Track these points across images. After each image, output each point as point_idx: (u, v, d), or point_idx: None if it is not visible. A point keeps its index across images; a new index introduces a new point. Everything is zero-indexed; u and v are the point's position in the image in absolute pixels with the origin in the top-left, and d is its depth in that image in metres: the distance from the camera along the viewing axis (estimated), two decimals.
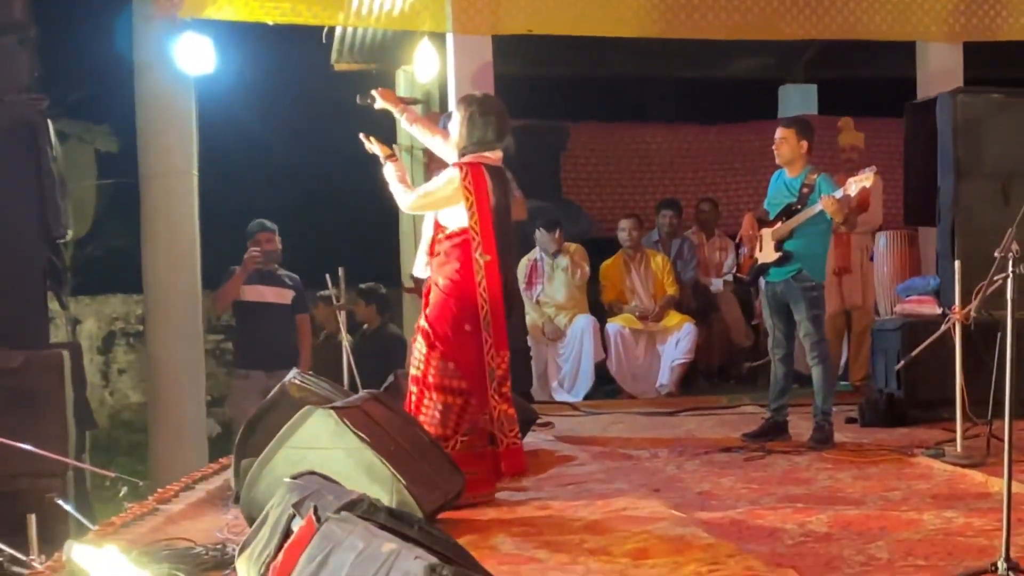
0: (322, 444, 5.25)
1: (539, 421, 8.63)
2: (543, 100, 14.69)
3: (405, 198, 6.55)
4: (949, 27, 11.55)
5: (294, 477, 4.24)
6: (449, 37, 11.08)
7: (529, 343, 10.69)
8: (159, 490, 6.66)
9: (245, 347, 10.49)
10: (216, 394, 13.13)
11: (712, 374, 12.11)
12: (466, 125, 6.41)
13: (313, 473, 4.31)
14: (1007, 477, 4.42)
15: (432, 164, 9.62)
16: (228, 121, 13.17)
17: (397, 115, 6.99)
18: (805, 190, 7.88)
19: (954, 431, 7.22)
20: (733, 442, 8.05)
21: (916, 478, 6.67)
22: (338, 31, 12.61)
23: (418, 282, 8.07)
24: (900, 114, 10.24)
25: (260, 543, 4.01)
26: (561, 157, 13.77)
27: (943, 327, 7.39)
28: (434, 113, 11.73)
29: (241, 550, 4.13)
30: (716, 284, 12.14)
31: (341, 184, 14.95)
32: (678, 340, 11.08)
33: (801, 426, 8.15)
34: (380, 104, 6.94)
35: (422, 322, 6.39)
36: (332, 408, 5.43)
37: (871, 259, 10.65)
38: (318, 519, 3.73)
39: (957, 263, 7.41)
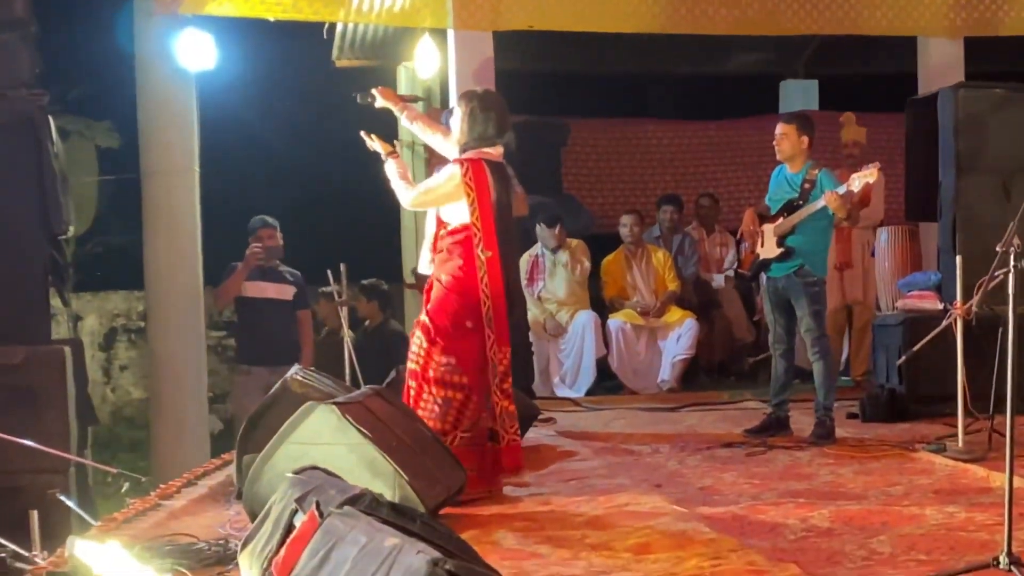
0: (324, 440, 5.26)
1: (541, 417, 8.63)
2: (544, 96, 14.69)
3: (406, 194, 6.56)
4: (950, 22, 11.53)
5: (296, 472, 4.24)
6: (450, 33, 11.07)
7: (531, 339, 10.69)
8: (161, 486, 6.67)
9: (247, 343, 10.50)
10: (218, 390, 13.13)
11: (713, 370, 12.11)
12: (467, 121, 6.42)
13: (315, 468, 4.31)
14: (1009, 472, 4.42)
15: (433, 160, 9.61)
16: (229, 117, 13.16)
17: (397, 113, 6.99)
18: (807, 185, 7.88)
19: (955, 426, 7.23)
20: (735, 437, 8.06)
21: (918, 473, 6.67)
22: (339, 27, 12.59)
23: (420, 278, 8.08)
24: (901, 109, 10.24)
25: (262, 538, 4.01)
26: (562, 153, 13.78)
27: (944, 322, 7.39)
28: (435, 109, 11.72)
29: (243, 545, 4.13)
30: (717, 280, 12.15)
31: (342, 180, 14.95)
32: (679, 336, 11.09)
33: (802, 421, 8.15)
34: (380, 103, 6.95)
35: (423, 317, 6.40)
36: (334, 404, 5.43)
37: (872, 254, 10.65)
38: (321, 514, 3.73)
39: (958, 258, 7.41)
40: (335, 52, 13.45)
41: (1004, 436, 4.57)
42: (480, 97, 6.53)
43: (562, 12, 11.12)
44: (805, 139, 7.96)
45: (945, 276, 8.96)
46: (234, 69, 11.58)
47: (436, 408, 6.28)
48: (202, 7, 10.18)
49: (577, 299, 11.21)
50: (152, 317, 10.70)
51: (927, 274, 9.60)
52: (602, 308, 11.39)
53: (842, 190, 7.66)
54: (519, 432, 6.42)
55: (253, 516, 4.80)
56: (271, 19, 10.46)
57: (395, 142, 6.98)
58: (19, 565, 5.13)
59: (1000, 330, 5.75)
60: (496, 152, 6.42)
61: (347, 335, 9.02)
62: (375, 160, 6.84)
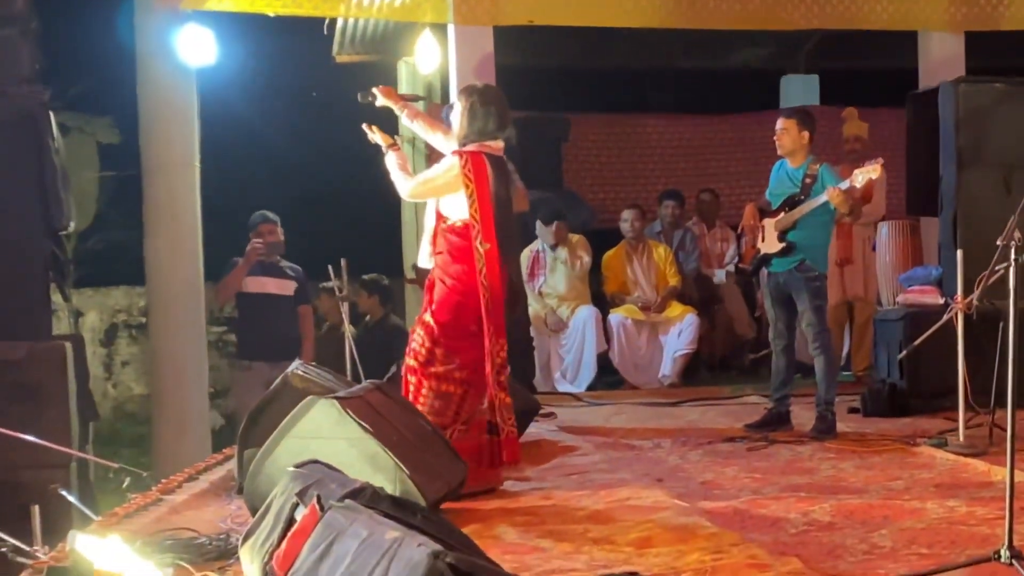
0: (325, 434, 5.26)
1: (542, 412, 8.63)
2: (545, 91, 14.68)
3: (405, 185, 6.57)
4: (951, 16, 11.52)
5: (297, 466, 4.25)
6: (450, 28, 11.07)
7: (532, 334, 10.70)
8: (162, 481, 6.68)
9: (248, 338, 10.50)
10: (219, 386, 13.11)
11: (714, 365, 12.13)
12: (467, 116, 6.42)
13: (316, 462, 4.31)
14: (1009, 466, 4.43)
15: (434, 155, 9.60)
16: (230, 113, 13.15)
17: (398, 112, 7.00)
18: (808, 180, 7.88)
19: (956, 420, 7.24)
20: (736, 432, 8.06)
21: (919, 467, 6.68)
22: (339, 23, 12.59)
23: (420, 273, 8.08)
24: (902, 104, 10.24)
25: (263, 532, 4.02)
26: (563, 148, 13.76)
27: (945, 317, 7.38)
28: (436, 105, 11.72)
29: (244, 540, 4.14)
30: (719, 275, 12.15)
31: (343, 176, 14.94)
32: (680, 331, 11.09)
33: (804, 416, 8.16)
34: (381, 102, 6.96)
35: (427, 317, 6.38)
36: (335, 398, 5.44)
37: (873, 249, 10.64)
38: (321, 508, 3.74)
39: (959, 252, 7.41)
40: (336, 47, 13.45)
41: (1005, 430, 4.57)
42: (480, 92, 6.53)
43: (563, 7, 11.11)
44: (806, 134, 7.96)
45: (946, 270, 8.95)
46: (235, 65, 11.57)
47: (437, 403, 6.29)
48: (203, 2, 10.18)
49: (578, 294, 11.21)
50: (153, 313, 10.69)
51: (928, 268, 9.59)
52: (603, 303, 11.40)
53: (844, 186, 7.66)
54: (515, 424, 6.41)
55: (254, 510, 4.80)
56: (271, 14, 10.46)
57: (396, 136, 6.96)
58: (20, 560, 5.14)
59: (1001, 324, 5.74)
60: (497, 146, 6.42)
61: (348, 330, 9.02)
62: (376, 155, 6.84)
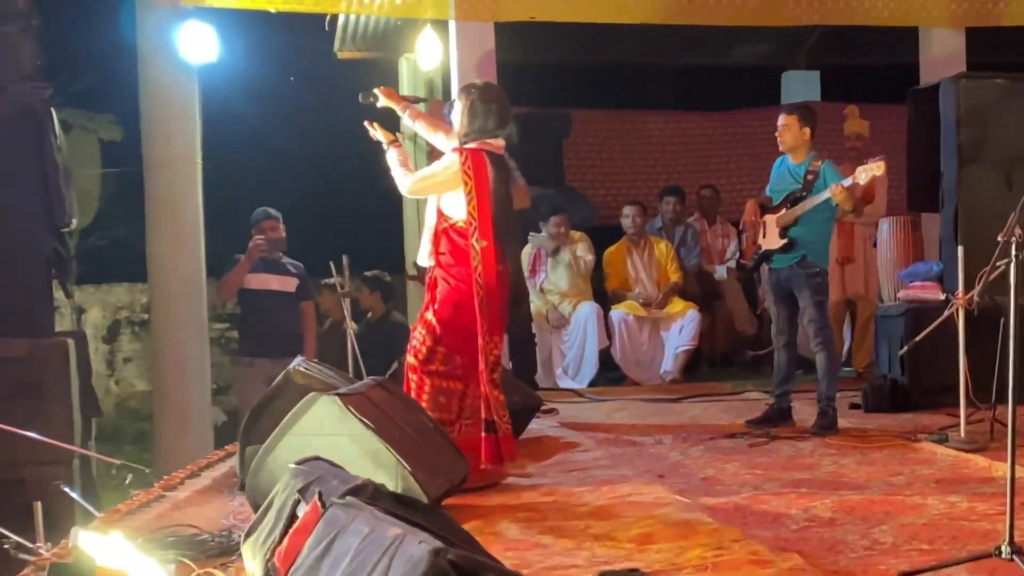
0: (327, 430, 5.27)
1: (543, 408, 8.64)
2: (546, 88, 14.67)
3: (405, 181, 6.58)
4: (952, 12, 11.53)
5: (299, 463, 4.25)
6: (452, 25, 11.08)
7: (533, 330, 10.71)
8: (165, 477, 6.68)
9: (250, 335, 10.51)
10: (221, 382, 13.13)
11: (716, 361, 12.14)
12: (467, 114, 6.42)
13: (318, 459, 4.32)
14: (1010, 462, 4.43)
15: (435, 154, 9.61)
16: (231, 109, 13.15)
17: (400, 112, 7.01)
18: (810, 177, 7.88)
19: (958, 416, 7.25)
20: (737, 428, 8.08)
21: (920, 463, 6.68)
22: (341, 19, 12.59)
23: (421, 270, 8.08)
24: (903, 100, 10.22)
25: (265, 529, 4.03)
26: (564, 145, 13.77)
27: (946, 312, 7.38)
28: (438, 101, 11.72)
29: (247, 536, 4.14)
30: (720, 271, 12.16)
31: (345, 172, 14.93)
32: (682, 327, 11.10)
33: (805, 412, 8.16)
34: (383, 102, 6.97)
35: (428, 315, 6.39)
36: (337, 395, 5.44)
37: (874, 246, 10.64)
38: (323, 504, 3.74)
39: (960, 248, 7.41)
40: (337, 44, 13.45)
41: (1006, 426, 4.57)
42: (480, 90, 6.53)
43: (564, 3, 11.13)
44: (807, 130, 7.96)
45: (947, 266, 8.96)
46: (236, 61, 11.58)
47: (440, 399, 6.30)
48: None
49: (579, 291, 11.22)
50: (155, 309, 10.70)
51: (929, 264, 9.59)
52: (604, 299, 11.41)
53: (847, 183, 7.65)
54: (510, 421, 6.41)
55: (256, 507, 4.81)
56: (273, 11, 10.46)
57: (397, 133, 6.97)
58: (23, 556, 5.15)
59: (1002, 320, 5.75)
60: (497, 144, 6.42)
61: (350, 327, 9.03)
62: (377, 152, 6.84)
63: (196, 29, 10.09)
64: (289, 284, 10.29)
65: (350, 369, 8.64)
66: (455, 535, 3.56)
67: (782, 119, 8.03)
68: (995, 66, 10.06)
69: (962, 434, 7.13)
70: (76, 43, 13.96)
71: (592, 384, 10.86)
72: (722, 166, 14.47)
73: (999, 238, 4.67)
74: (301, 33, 12.65)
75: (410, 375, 6.42)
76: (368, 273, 11.31)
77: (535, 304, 10.96)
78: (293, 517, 3.90)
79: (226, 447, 7.78)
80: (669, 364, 11.10)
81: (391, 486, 4.68)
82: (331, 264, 9.33)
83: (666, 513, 5.41)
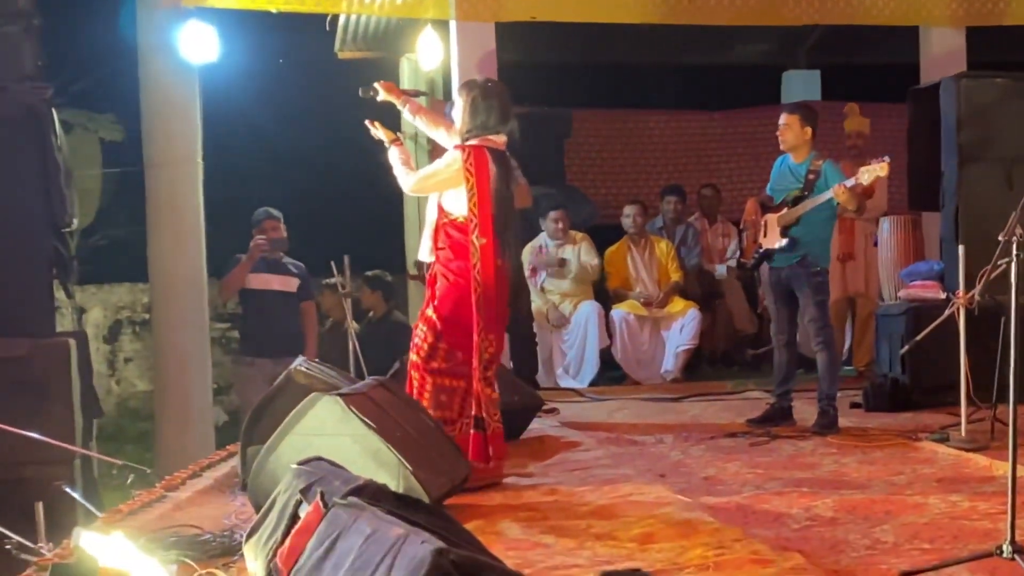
0: (328, 430, 5.27)
1: (544, 407, 8.64)
2: (547, 87, 14.67)
3: (407, 180, 6.58)
4: (952, 12, 11.53)
5: (301, 463, 4.25)
6: (452, 25, 11.08)
7: (534, 329, 10.71)
8: (166, 477, 6.69)
9: (251, 335, 10.51)
10: (222, 382, 13.14)
11: (716, 360, 12.14)
12: (468, 110, 6.43)
13: (320, 459, 4.32)
14: (1011, 461, 4.43)
15: (436, 151, 9.61)
16: (232, 109, 13.15)
17: (400, 107, 6.99)
18: (811, 176, 7.87)
19: (959, 415, 7.25)
20: (738, 427, 8.08)
21: (921, 462, 6.69)
22: (342, 19, 12.59)
23: (422, 268, 8.08)
24: (904, 99, 10.22)
25: (267, 529, 4.03)
26: (565, 144, 13.79)
27: (947, 312, 7.38)
28: (439, 101, 11.72)
29: (249, 536, 4.15)
30: (720, 270, 12.16)
31: (346, 172, 14.95)
32: (682, 326, 11.10)
33: (806, 411, 8.17)
34: (383, 96, 6.95)
35: (430, 312, 6.40)
36: (338, 395, 5.44)
37: (875, 244, 10.64)
38: (325, 504, 3.74)
39: (961, 247, 7.41)
40: (338, 44, 13.45)
41: (1007, 425, 4.57)
42: (481, 86, 6.53)
43: (564, 3, 11.12)
44: (808, 129, 7.96)
45: (948, 265, 8.96)
46: (237, 61, 11.58)
47: (441, 397, 6.31)
48: None
49: (580, 290, 11.22)
50: (156, 309, 10.70)
51: (930, 263, 9.60)
52: (605, 299, 11.41)
53: (850, 183, 7.64)
54: (501, 419, 6.41)
55: (258, 507, 4.81)
56: (274, 11, 10.46)
57: (399, 132, 6.97)
58: (25, 557, 5.15)
59: (1002, 319, 5.74)
60: (499, 141, 6.43)
61: (351, 326, 9.04)
62: (378, 152, 6.85)
63: (197, 29, 10.09)
64: (290, 284, 10.29)
65: (351, 369, 8.64)
66: (457, 535, 3.57)
67: (784, 118, 8.03)
68: (996, 65, 10.06)
69: (963, 433, 7.14)
70: (77, 43, 13.97)
71: (593, 383, 10.86)
72: (723, 165, 14.48)
73: (1000, 237, 4.68)
74: (302, 34, 12.65)
75: (412, 373, 6.43)
76: (369, 273, 11.32)
77: (536, 303, 10.97)
78: (295, 517, 3.91)
79: (227, 447, 7.78)
80: (670, 363, 11.10)
81: (393, 486, 4.68)
82: (332, 264, 9.34)
83: (667, 512, 5.41)
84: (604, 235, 11.83)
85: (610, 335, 11.09)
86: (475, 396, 6.28)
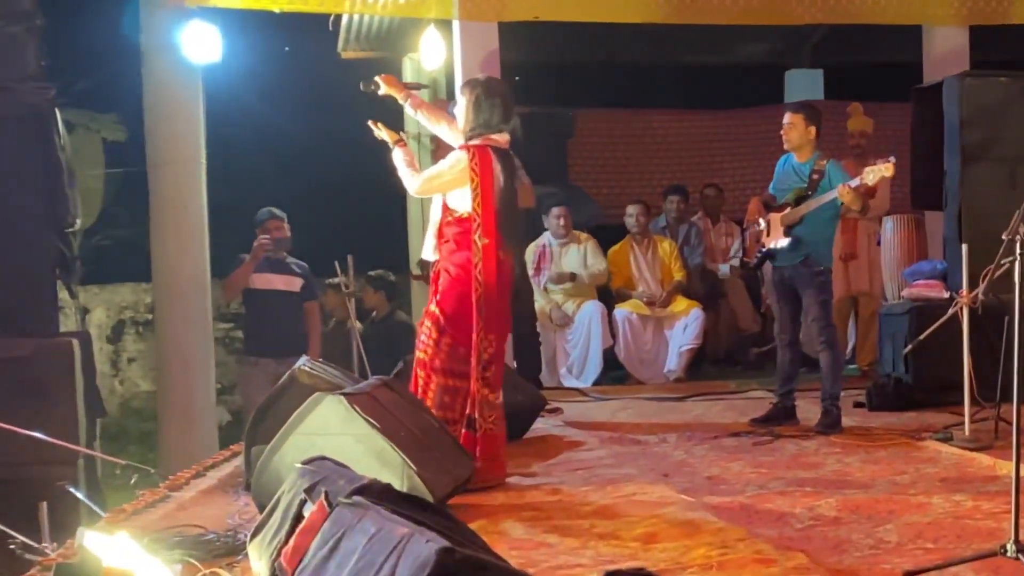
0: (332, 430, 5.27)
1: (548, 407, 8.65)
2: (549, 87, 14.69)
3: (412, 181, 6.58)
4: (956, 11, 11.52)
5: (305, 462, 4.25)
6: (455, 24, 11.08)
7: (537, 329, 10.71)
8: (170, 477, 6.69)
9: (255, 335, 10.51)
10: (226, 382, 13.16)
11: (720, 359, 12.13)
12: (471, 109, 6.42)
13: (324, 458, 4.32)
14: (1015, 460, 4.42)
15: (439, 151, 9.62)
16: (236, 109, 13.18)
17: (401, 101, 6.97)
18: (815, 176, 7.86)
19: (962, 415, 7.24)
20: (741, 427, 8.08)
21: (924, 462, 6.68)
22: (345, 19, 12.60)
23: (426, 267, 8.09)
24: (907, 98, 10.22)
25: (272, 529, 4.03)
26: (568, 144, 13.78)
27: (950, 311, 7.37)
28: (441, 100, 11.73)
29: (253, 536, 4.15)
30: (723, 270, 12.16)
31: (349, 172, 14.96)
32: (686, 326, 11.09)
33: (809, 411, 8.16)
34: (384, 90, 6.94)
35: (432, 308, 6.41)
36: (342, 394, 5.44)
37: (878, 244, 10.64)
38: (330, 504, 3.74)
39: (964, 247, 7.40)
40: (341, 44, 13.46)
41: (1011, 424, 4.57)
42: (484, 84, 6.53)
43: (567, 3, 11.13)
44: (812, 129, 7.95)
45: (951, 265, 8.96)
46: (240, 61, 11.58)
47: (446, 398, 6.31)
48: None
49: (583, 290, 11.22)
50: (160, 309, 10.70)
51: (933, 263, 9.59)
52: (608, 298, 11.40)
53: (855, 183, 7.64)
54: (499, 422, 6.40)
55: (262, 507, 4.81)
56: (276, 11, 10.47)
57: (402, 132, 6.97)
58: (29, 556, 5.16)
59: (1006, 318, 5.75)
60: (502, 139, 6.43)
61: (354, 326, 9.04)
62: (381, 152, 6.84)
63: (200, 29, 10.09)
64: (294, 284, 10.29)
65: (355, 369, 8.65)
66: (461, 534, 3.57)
67: (788, 117, 8.02)
68: (999, 64, 10.07)
69: (966, 433, 7.13)
70: (80, 43, 13.99)
71: (596, 383, 10.86)
72: (726, 165, 14.48)
73: (1003, 236, 4.67)
74: (305, 33, 12.66)
75: (418, 371, 6.43)
76: (372, 272, 11.33)
77: (539, 303, 10.97)
78: (299, 517, 3.91)
79: (231, 447, 7.78)
80: (673, 363, 11.09)
81: (397, 485, 4.69)
82: (336, 264, 9.34)
83: (671, 512, 5.41)
84: (607, 235, 11.82)
85: (613, 335, 11.08)
86: (471, 395, 6.28)
